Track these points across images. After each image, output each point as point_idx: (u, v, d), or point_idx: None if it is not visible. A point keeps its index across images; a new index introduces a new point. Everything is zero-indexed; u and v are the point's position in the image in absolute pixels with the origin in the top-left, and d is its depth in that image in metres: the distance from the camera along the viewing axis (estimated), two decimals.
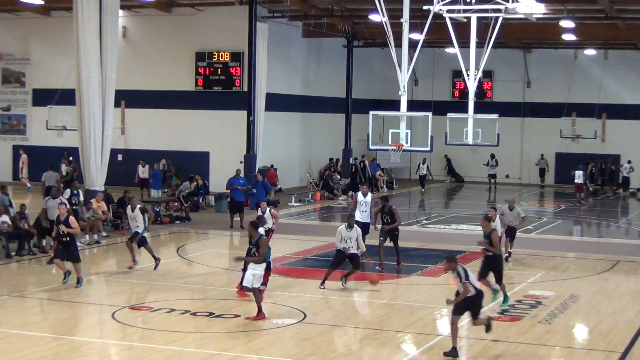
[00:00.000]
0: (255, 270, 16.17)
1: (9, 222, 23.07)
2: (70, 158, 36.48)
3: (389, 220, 22.00)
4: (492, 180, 45.86)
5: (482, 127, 31.52)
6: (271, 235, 20.94)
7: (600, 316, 17.44)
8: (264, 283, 17.25)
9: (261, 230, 20.60)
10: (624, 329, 16.33)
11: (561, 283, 20.76)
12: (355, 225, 19.74)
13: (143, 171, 36.39)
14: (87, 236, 25.24)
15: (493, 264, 17.52)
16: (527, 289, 19.89)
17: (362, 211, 22.93)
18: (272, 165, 38.77)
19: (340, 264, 19.56)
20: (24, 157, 40.01)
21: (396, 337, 15.45)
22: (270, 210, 21.41)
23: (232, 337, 15.45)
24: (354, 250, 19.44)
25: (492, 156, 45.11)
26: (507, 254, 22.65)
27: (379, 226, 22.53)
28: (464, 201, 41.65)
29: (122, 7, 32.18)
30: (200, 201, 34.14)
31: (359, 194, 23.59)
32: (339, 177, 42.61)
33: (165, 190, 35.97)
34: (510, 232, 23.21)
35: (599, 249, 26.29)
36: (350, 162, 44.76)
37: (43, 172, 33.54)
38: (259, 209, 21.44)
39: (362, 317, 17.42)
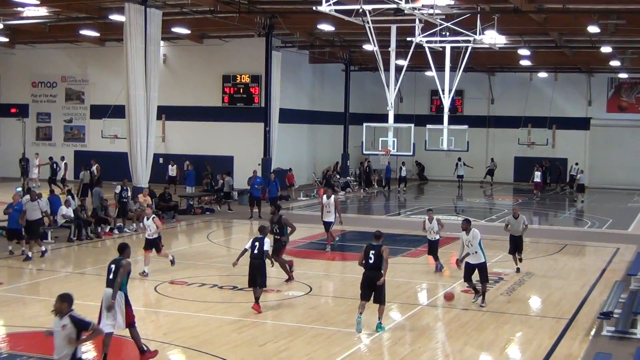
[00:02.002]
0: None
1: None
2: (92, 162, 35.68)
3: (277, 231, 17.29)
4: (460, 180, 45.49)
5: (455, 136, 31.52)
6: (162, 245, 18.20)
7: (551, 289, 17.41)
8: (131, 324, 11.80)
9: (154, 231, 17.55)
10: (570, 300, 16.31)
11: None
12: (473, 229, 15.41)
13: (172, 170, 36.32)
14: (134, 224, 25.24)
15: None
16: (491, 267, 19.67)
17: (327, 212, 21.58)
18: (290, 169, 38.60)
19: (470, 275, 15.58)
20: (39, 160, 38.11)
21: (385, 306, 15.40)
22: (153, 218, 17.91)
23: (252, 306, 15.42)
24: (476, 260, 15.33)
25: (459, 159, 44.51)
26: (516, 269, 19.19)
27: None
28: (437, 196, 41.49)
29: (163, 39, 32.12)
30: None
31: (324, 197, 22.04)
32: (338, 176, 42.53)
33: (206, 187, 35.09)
34: (516, 242, 19.06)
35: (549, 235, 26.25)
36: (362, 164, 45.03)
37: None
38: (145, 216, 18.37)
39: (357, 290, 17.22)
